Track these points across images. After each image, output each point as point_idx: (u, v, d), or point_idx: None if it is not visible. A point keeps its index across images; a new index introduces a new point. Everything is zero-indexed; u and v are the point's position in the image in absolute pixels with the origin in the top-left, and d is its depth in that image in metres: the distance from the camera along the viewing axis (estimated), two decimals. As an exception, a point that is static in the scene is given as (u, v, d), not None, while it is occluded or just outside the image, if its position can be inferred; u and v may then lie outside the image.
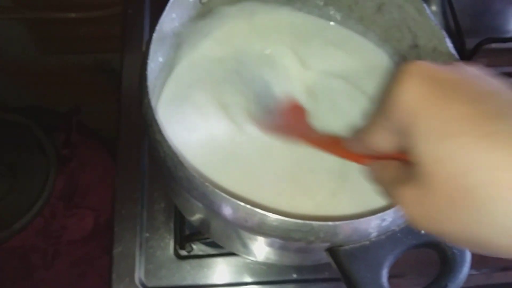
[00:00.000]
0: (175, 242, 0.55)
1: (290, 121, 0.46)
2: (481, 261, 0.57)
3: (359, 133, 0.34)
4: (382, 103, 0.30)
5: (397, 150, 0.31)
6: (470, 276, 0.55)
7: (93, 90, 1.14)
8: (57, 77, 1.12)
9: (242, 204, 0.35)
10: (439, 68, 0.28)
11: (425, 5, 0.44)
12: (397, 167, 0.31)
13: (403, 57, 0.50)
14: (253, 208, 0.35)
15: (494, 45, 0.68)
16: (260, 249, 0.48)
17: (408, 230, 0.39)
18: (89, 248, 1.15)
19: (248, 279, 0.55)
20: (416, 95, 0.27)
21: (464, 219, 0.25)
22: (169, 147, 0.36)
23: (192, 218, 0.49)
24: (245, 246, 0.48)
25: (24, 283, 1.14)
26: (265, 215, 0.35)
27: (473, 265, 0.55)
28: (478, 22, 0.73)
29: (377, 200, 0.41)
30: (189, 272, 0.54)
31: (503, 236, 0.24)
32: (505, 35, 0.69)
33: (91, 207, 1.18)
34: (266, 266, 0.55)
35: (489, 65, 0.68)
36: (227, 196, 0.35)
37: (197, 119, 0.46)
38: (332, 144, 0.41)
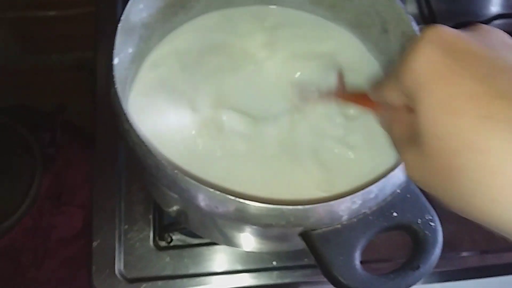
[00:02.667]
0: (154, 233, 0.55)
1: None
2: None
3: (378, 84, 0.35)
4: (398, 64, 0.29)
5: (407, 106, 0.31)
6: (461, 258, 0.57)
7: (76, 88, 1.13)
8: (40, 76, 1.11)
9: (211, 190, 0.35)
10: (459, 35, 0.27)
11: (391, -12, 0.44)
12: (406, 123, 0.31)
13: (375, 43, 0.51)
14: (222, 193, 0.35)
15: (468, 30, 0.69)
16: (238, 237, 0.48)
17: (380, 213, 0.40)
18: (79, 246, 1.15)
19: (228, 267, 0.55)
20: (427, 64, 0.27)
21: (452, 191, 0.26)
22: (137, 135, 0.37)
23: (169, 209, 0.50)
24: (222, 234, 0.49)
25: (15, 282, 1.13)
26: (235, 200, 0.35)
27: (455, 248, 0.57)
28: (452, 6, 0.73)
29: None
30: (169, 262, 0.54)
31: (482, 213, 0.25)
32: (480, 20, 0.69)
33: (80, 205, 1.18)
34: (246, 255, 0.55)
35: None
36: (198, 183, 0.36)
37: (168, 109, 0.47)
38: (358, 96, 0.42)
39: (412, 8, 0.72)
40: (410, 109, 0.29)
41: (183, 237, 0.55)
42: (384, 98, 0.34)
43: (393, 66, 0.31)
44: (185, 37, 0.51)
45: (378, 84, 0.35)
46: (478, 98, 0.24)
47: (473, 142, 0.24)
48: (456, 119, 0.24)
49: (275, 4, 0.54)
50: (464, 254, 0.58)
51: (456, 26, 0.65)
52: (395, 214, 0.40)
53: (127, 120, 0.37)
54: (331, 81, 0.49)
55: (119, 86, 0.39)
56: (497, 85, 0.24)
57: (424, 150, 0.27)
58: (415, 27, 0.43)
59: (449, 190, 0.26)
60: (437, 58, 0.26)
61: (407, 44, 0.29)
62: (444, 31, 0.27)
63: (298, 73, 0.50)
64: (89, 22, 0.94)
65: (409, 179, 0.31)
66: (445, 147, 0.25)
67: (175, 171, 0.36)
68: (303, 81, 0.50)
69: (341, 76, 0.49)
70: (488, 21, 0.68)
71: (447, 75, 0.26)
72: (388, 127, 0.34)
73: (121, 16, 0.41)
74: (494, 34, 0.28)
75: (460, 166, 0.24)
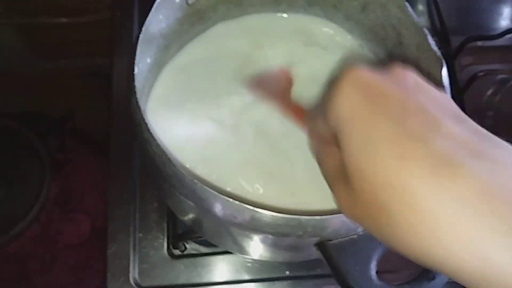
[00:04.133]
0: (168, 242, 0.56)
1: (275, 84, 0.48)
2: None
3: (313, 113, 0.36)
4: (324, 100, 0.31)
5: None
6: None
7: (86, 95, 1.14)
8: (50, 82, 1.12)
9: (231, 200, 0.36)
10: (375, 78, 0.29)
11: (407, 3, 0.45)
12: (338, 159, 0.31)
13: (389, 54, 0.51)
14: (241, 203, 0.35)
15: (479, 43, 0.69)
16: (252, 246, 0.48)
17: (396, 223, 0.40)
18: (86, 253, 1.15)
19: (241, 277, 0.55)
20: (347, 103, 0.28)
21: (377, 228, 0.27)
22: (157, 145, 0.37)
23: (184, 218, 0.50)
24: (237, 243, 0.49)
25: (22, 288, 1.14)
26: (253, 210, 0.36)
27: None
28: (463, 20, 0.74)
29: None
30: (183, 271, 0.54)
31: (409, 248, 0.25)
32: (491, 33, 0.70)
33: (87, 212, 1.18)
34: (259, 264, 0.55)
35: (474, 63, 0.70)
36: (216, 193, 0.36)
37: (186, 119, 0.47)
38: (296, 110, 0.43)
39: (424, 21, 0.72)
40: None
41: (197, 246, 0.56)
42: (316, 126, 0.34)
43: (321, 98, 0.32)
44: (202, 46, 0.51)
45: (314, 111, 0.36)
46: (392, 140, 0.25)
47: (390, 181, 0.25)
48: (374, 158, 0.26)
49: (291, 14, 0.55)
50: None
51: (467, 40, 0.66)
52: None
53: (148, 130, 0.37)
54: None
55: (138, 95, 0.39)
56: (408, 127, 0.25)
57: (352, 187, 0.28)
58: (431, 41, 0.43)
59: (376, 227, 0.27)
60: (357, 100, 0.28)
61: (330, 85, 0.30)
62: (363, 75, 0.29)
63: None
64: (100, 29, 0.95)
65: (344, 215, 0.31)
66: (366, 185, 0.26)
67: (194, 180, 0.36)
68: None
69: (288, 80, 0.49)
70: (500, 35, 0.69)
71: (364, 117, 0.27)
72: (319, 158, 0.35)
73: (141, 27, 0.42)
74: (408, 76, 0.29)
75: (380, 203, 0.25)
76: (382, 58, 0.52)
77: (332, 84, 0.29)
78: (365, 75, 0.29)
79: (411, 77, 0.30)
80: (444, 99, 0.29)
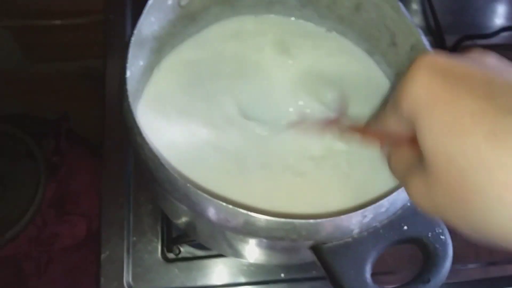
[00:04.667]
0: (163, 245, 0.55)
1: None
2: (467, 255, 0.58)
3: (377, 113, 0.35)
4: (393, 96, 0.30)
5: (409, 134, 0.31)
6: (457, 271, 0.57)
7: (81, 97, 1.14)
8: (44, 84, 1.12)
9: (224, 204, 0.35)
10: (453, 60, 0.27)
11: (400, 3, 0.44)
12: (411, 156, 0.31)
13: (383, 56, 0.51)
14: (234, 207, 0.35)
15: (474, 42, 0.69)
16: (247, 250, 0.48)
17: (390, 226, 0.40)
18: (82, 255, 1.15)
19: (236, 280, 0.55)
20: (425, 88, 0.27)
21: (465, 214, 0.25)
22: (150, 149, 0.37)
23: (178, 221, 0.50)
24: (231, 247, 0.49)
25: (18, 291, 1.13)
26: (247, 214, 0.35)
27: (461, 260, 0.57)
28: (458, 19, 0.74)
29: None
30: (178, 275, 0.54)
31: (499, 231, 0.24)
32: (486, 32, 0.70)
33: (83, 214, 1.18)
34: (255, 267, 0.55)
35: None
36: (209, 197, 0.36)
37: (179, 122, 0.47)
38: (356, 130, 0.42)
39: (418, 20, 0.72)
40: (411, 137, 0.30)
41: (191, 249, 0.55)
42: (383, 126, 0.33)
43: (391, 95, 0.32)
44: (195, 48, 0.51)
45: (377, 113, 0.35)
46: (483, 116, 0.23)
47: (483, 160, 0.23)
48: (461, 138, 0.24)
49: (284, 15, 0.54)
50: (470, 266, 0.58)
51: (462, 39, 0.66)
52: (405, 227, 0.40)
53: (140, 134, 0.37)
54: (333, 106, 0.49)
55: (130, 99, 0.39)
56: (500, 102, 0.23)
57: (431, 175, 0.27)
58: (425, 40, 0.43)
59: (462, 213, 0.25)
60: (435, 82, 0.26)
61: (402, 74, 0.29)
62: (438, 57, 0.27)
63: (301, 102, 0.50)
64: (94, 31, 0.94)
65: (418, 208, 0.30)
66: (453, 168, 0.25)
67: (187, 184, 0.36)
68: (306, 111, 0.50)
69: (343, 105, 0.48)
70: (494, 34, 0.69)
71: (446, 96, 0.26)
72: (390, 158, 0.34)
73: (133, 30, 0.41)
74: (488, 56, 0.28)
75: (472, 186, 0.24)
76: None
77: (405, 71, 0.28)
78: (440, 57, 0.27)
79: (492, 57, 0.28)
80: None
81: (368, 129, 0.39)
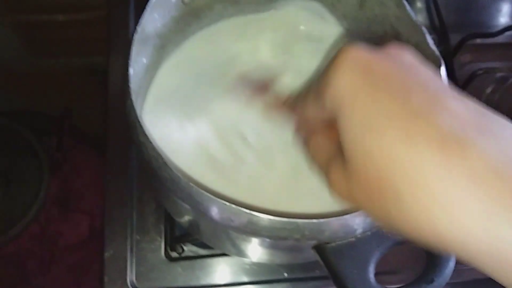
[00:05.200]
0: (166, 244, 0.55)
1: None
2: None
3: (300, 96, 0.36)
4: (319, 80, 0.30)
5: (328, 122, 0.32)
6: (461, 270, 0.57)
7: (84, 93, 1.14)
8: (48, 80, 1.11)
9: (228, 203, 0.35)
10: (374, 58, 0.28)
11: (404, 1, 0.44)
12: (331, 145, 0.32)
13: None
14: (238, 207, 0.35)
15: (478, 41, 0.69)
16: (250, 249, 0.48)
17: (394, 226, 0.40)
18: (85, 253, 1.15)
19: (239, 279, 0.55)
20: (347, 82, 0.27)
21: (381, 209, 0.26)
22: (153, 148, 0.37)
23: (181, 220, 0.50)
24: (234, 246, 0.49)
25: (21, 289, 1.14)
26: (250, 214, 0.35)
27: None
28: (462, 17, 0.74)
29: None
30: (181, 273, 0.54)
31: (410, 227, 0.25)
32: (490, 31, 0.69)
33: (86, 211, 1.18)
34: (258, 266, 0.55)
35: (473, 60, 0.69)
36: (212, 196, 0.35)
37: (182, 120, 0.46)
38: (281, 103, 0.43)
39: (422, 18, 0.72)
40: (330, 125, 0.31)
41: (194, 248, 0.55)
42: (304, 110, 0.34)
43: (315, 81, 0.32)
44: (198, 46, 0.51)
45: (301, 96, 0.35)
46: (396, 117, 0.25)
47: (398, 160, 0.24)
48: (378, 137, 0.25)
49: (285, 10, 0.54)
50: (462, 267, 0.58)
51: (466, 37, 0.66)
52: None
53: (143, 133, 0.37)
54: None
55: (134, 97, 0.39)
56: (412, 104, 0.25)
57: (350, 169, 0.28)
58: (429, 39, 0.43)
59: (379, 208, 0.27)
60: (356, 79, 0.27)
61: (328, 63, 0.30)
62: (361, 53, 0.28)
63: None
64: (97, 27, 0.94)
65: (335, 196, 0.31)
66: (370, 166, 0.26)
67: (190, 184, 0.36)
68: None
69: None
70: (499, 32, 0.68)
71: (366, 94, 0.26)
72: (308, 146, 0.35)
73: (136, 26, 0.41)
74: (405, 55, 0.29)
75: (387, 183, 0.25)
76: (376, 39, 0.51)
77: (327, 65, 0.29)
78: (362, 54, 0.28)
79: (408, 56, 0.29)
80: (440, 78, 0.29)
81: (289, 106, 0.40)
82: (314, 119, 0.33)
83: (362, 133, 0.26)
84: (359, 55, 0.28)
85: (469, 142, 0.23)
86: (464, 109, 0.25)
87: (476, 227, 0.22)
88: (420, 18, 0.72)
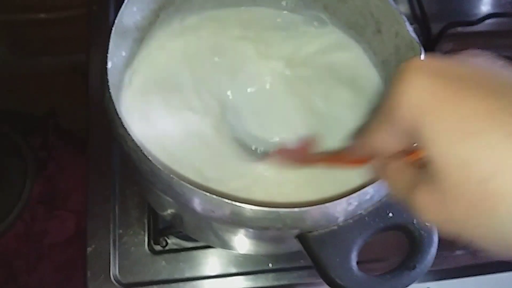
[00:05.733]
0: (149, 238, 0.55)
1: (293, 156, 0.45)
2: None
3: (362, 137, 0.31)
4: (384, 105, 0.27)
5: (406, 149, 0.29)
6: (445, 257, 0.57)
7: (68, 92, 1.13)
8: (31, 80, 1.10)
9: (208, 194, 0.35)
10: (444, 62, 0.25)
11: (383, -11, 0.44)
12: (411, 171, 0.28)
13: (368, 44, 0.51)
14: (219, 197, 0.35)
15: (459, 29, 0.69)
16: (234, 240, 0.48)
17: (375, 214, 0.40)
18: (72, 251, 1.15)
19: (224, 271, 0.55)
20: (422, 92, 0.24)
21: (488, 225, 0.23)
22: (132, 140, 0.36)
23: (164, 213, 0.49)
24: (218, 237, 0.49)
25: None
26: (231, 203, 0.35)
27: (448, 246, 0.57)
28: (444, 6, 0.74)
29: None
30: (165, 266, 0.54)
31: None
32: (471, 19, 0.70)
33: (72, 210, 1.17)
34: (243, 257, 0.55)
35: (455, 49, 0.69)
36: (193, 188, 0.35)
37: (162, 113, 0.46)
38: (335, 158, 0.40)
39: (404, 8, 0.72)
40: (409, 151, 0.28)
41: (178, 241, 0.55)
42: (375, 147, 0.30)
43: (376, 110, 0.30)
44: (178, 39, 0.51)
45: (363, 132, 0.31)
46: (497, 114, 0.22)
47: (503, 163, 0.21)
48: (477, 141, 0.22)
49: (269, 6, 0.54)
50: (458, 252, 0.58)
51: (447, 26, 0.66)
52: (390, 214, 0.40)
53: (122, 125, 0.37)
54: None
55: (113, 90, 0.38)
56: (506, 101, 0.22)
57: (443, 186, 0.24)
58: (409, 27, 0.43)
59: (484, 224, 0.23)
60: (430, 84, 0.24)
61: (392, 80, 0.27)
62: (430, 60, 0.26)
63: (277, 138, 0.49)
64: (80, 25, 0.93)
65: (429, 222, 0.29)
66: (471, 175, 0.22)
67: (171, 175, 0.36)
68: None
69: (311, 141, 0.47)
70: (480, 20, 0.69)
71: (448, 97, 0.23)
72: (387, 176, 0.31)
73: (114, 19, 0.41)
74: (476, 59, 0.26)
75: (493, 193, 0.21)
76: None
77: (393, 84, 0.26)
78: (433, 61, 0.25)
79: (479, 58, 0.26)
80: None
81: (350, 155, 0.36)
82: (386, 149, 0.30)
83: (456, 139, 0.23)
84: (427, 62, 0.26)
85: None
86: None
87: None
88: (402, 8, 0.72)
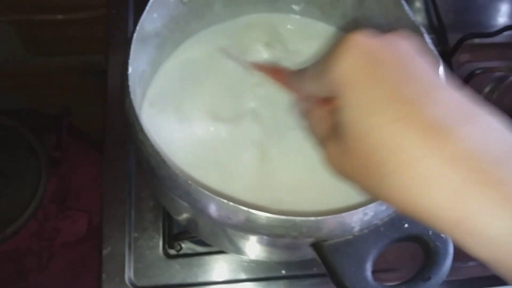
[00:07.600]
0: (164, 241, 0.55)
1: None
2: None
3: (300, 74, 0.37)
4: (322, 63, 0.32)
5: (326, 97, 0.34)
6: (458, 268, 0.57)
7: (82, 92, 1.14)
8: (46, 79, 1.11)
9: (225, 201, 0.35)
10: (376, 43, 0.30)
11: (403, 1, 0.44)
12: (329, 119, 0.35)
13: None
14: (236, 205, 0.35)
15: (477, 40, 0.69)
16: (248, 246, 0.48)
17: (391, 224, 0.40)
18: (84, 250, 1.15)
19: (237, 276, 0.55)
20: (350, 67, 0.30)
21: (371, 183, 0.30)
22: (151, 146, 0.37)
23: (179, 218, 0.50)
24: (232, 243, 0.49)
25: (18, 286, 1.13)
26: (248, 211, 0.35)
27: (462, 258, 0.57)
28: (461, 17, 0.74)
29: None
30: (179, 271, 0.54)
31: (399, 201, 0.28)
32: (489, 30, 0.69)
33: (84, 209, 1.18)
34: (256, 264, 0.55)
35: (472, 60, 0.69)
36: (211, 194, 0.36)
37: (181, 119, 0.47)
38: (278, 71, 0.45)
39: (421, 18, 0.72)
40: (328, 102, 0.34)
41: (192, 246, 0.55)
42: (304, 87, 0.37)
43: (317, 60, 0.34)
44: (197, 46, 0.51)
45: (301, 73, 0.37)
46: (392, 102, 0.28)
47: (388, 141, 0.27)
48: (373, 119, 0.28)
49: (289, 13, 0.54)
50: (471, 263, 0.58)
51: (464, 37, 0.65)
52: (406, 225, 0.40)
53: (142, 131, 0.37)
54: None
55: (133, 95, 0.39)
56: (405, 93, 0.28)
57: (345, 144, 0.30)
58: (427, 39, 0.43)
59: (369, 182, 0.30)
60: (359, 64, 0.30)
61: (330, 45, 0.32)
62: (364, 40, 0.30)
63: None
64: (96, 26, 0.94)
65: (328, 168, 0.34)
66: (362, 145, 0.29)
67: (189, 181, 0.36)
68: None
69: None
70: (497, 32, 0.68)
71: (368, 79, 0.29)
72: (309, 117, 0.38)
73: (135, 26, 0.41)
74: (407, 44, 0.31)
75: (377, 162, 0.28)
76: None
77: (332, 47, 0.31)
78: (366, 40, 0.30)
79: (406, 45, 0.31)
80: (433, 68, 0.31)
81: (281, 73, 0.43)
82: (312, 95, 0.36)
83: (359, 114, 0.29)
84: (363, 41, 0.30)
85: (450, 131, 0.26)
86: (451, 101, 0.28)
87: (446, 201, 0.26)
88: (419, 18, 0.72)
